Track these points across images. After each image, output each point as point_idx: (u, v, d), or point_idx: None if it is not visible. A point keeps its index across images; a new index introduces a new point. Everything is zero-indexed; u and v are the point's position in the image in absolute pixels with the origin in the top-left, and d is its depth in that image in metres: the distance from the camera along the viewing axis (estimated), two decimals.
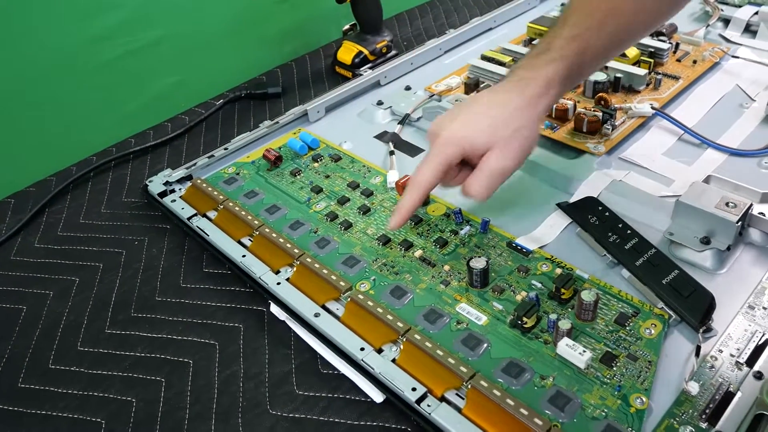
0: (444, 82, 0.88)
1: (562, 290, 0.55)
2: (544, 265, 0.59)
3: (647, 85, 0.83)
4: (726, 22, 0.96)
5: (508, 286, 0.58)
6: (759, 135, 0.73)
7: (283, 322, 0.59)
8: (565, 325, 0.51)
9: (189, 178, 0.76)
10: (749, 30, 0.93)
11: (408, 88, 0.89)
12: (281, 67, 1.04)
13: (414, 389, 0.49)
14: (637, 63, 0.84)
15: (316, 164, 0.76)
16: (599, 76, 0.81)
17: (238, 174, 0.76)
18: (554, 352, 0.52)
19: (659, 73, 0.84)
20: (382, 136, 0.81)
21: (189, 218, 0.69)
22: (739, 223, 0.57)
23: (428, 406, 0.48)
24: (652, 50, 0.86)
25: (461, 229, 0.64)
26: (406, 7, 1.21)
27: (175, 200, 0.72)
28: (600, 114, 0.75)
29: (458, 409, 0.48)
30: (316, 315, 0.56)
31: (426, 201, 0.68)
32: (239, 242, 0.65)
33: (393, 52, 1.01)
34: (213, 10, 0.95)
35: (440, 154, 0.57)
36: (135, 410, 0.53)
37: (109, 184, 0.81)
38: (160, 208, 0.73)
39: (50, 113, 0.83)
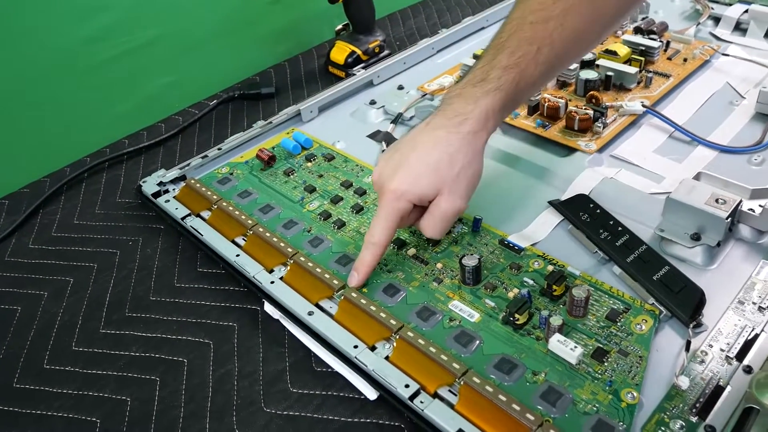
0: (437, 82, 0.89)
1: (554, 287, 0.56)
2: (536, 263, 0.60)
3: (638, 83, 0.83)
4: (716, 20, 0.96)
5: (500, 283, 0.58)
6: (749, 132, 0.74)
7: (277, 320, 0.59)
8: (556, 321, 0.52)
9: (183, 178, 0.76)
10: (739, 28, 0.94)
11: (401, 88, 0.90)
12: (274, 67, 1.04)
13: (407, 386, 0.49)
14: (628, 61, 0.85)
15: (309, 164, 0.76)
16: (590, 75, 0.81)
17: (231, 174, 0.76)
18: (546, 348, 0.52)
19: (650, 71, 0.84)
20: (375, 136, 0.82)
21: (183, 218, 0.69)
22: (729, 220, 0.57)
23: (421, 402, 0.48)
24: (643, 48, 0.87)
25: (454, 227, 0.65)
26: (399, 7, 1.21)
27: (168, 200, 0.72)
28: (591, 112, 0.75)
29: (451, 406, 0.48)
30: (310, 313, 0.56)
31: None
32: (233, 242, 0.65)
33: (386, 52, 1.02)
34: (206, 10, 0.95)
35: (391, 211, 0.57)
36: (130, 409, 0.53)
37: (103, 184, 0.81)
38: (153, 208, 0.73)
39: (44, 114, 0.84)
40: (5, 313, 0.64)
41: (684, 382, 0.48)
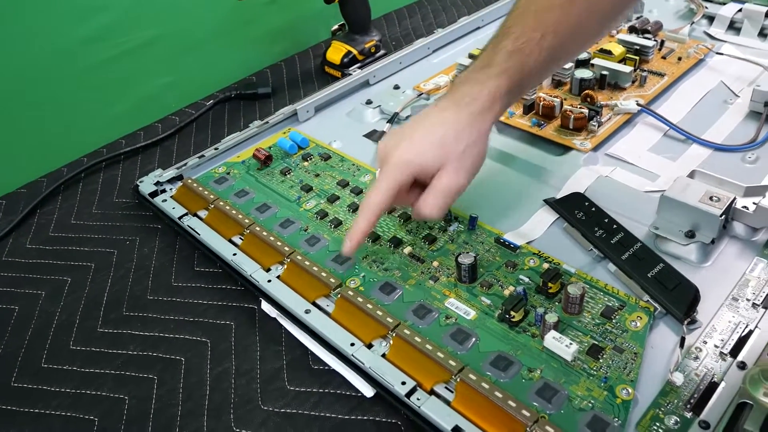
0: (432, 81, 0.89)
1: (549, 284, 0.56)
2: (532, 260, 0.60)
3: (633, 82, 0.84)
4: (710, 19, 0.97)
5: (496, 281, 0.59)
6: (743, 130, 0.74)
7: (274, 319, 0.59)
8: (552, 318, 0.52)
9: (179, 178, 0.77)
10: (733, 27, 0.95)
11: (397, 87, 0.90)
12: (271, 67, 1.05)
13: (404, 383, 0.50)
14: (622, 60, 0.85)
15: (305, 163, 0.77)
16: (585, 74, 0.81)
17: (228, 174, 0.76)
18: (541, 345, 0.52)
19: (644, 70, 0.84)
20: (371, 135, 0.82)
21: (180, 218, 0.69)
22: (723, 217, 0.58)
23: (418, 399, 0.49)
24: (638, 48, 0.87)
25: (450, 225, 0.65)
26: (395, 7, 1.21)
27: (166, 200, 0.72)
28: (586, 111, 0.76)
29: (447, 402, 0.49)
30: (307, 311, 0.57)
31: None
32: (230, 241, 0.65)
33: (382, 52, 1.02)
34: (203, 11, 0.95)
35: (390, 178, 0.57)
36: (127, 407, 0.54)
37: (100, 184, 0.81)
38: (151, 208, 0.73)
39: (41, 114, 0.84)
40: (3, 312, 0.64)
41: (678, 378, 0.48)
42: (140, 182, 0.75)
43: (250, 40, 1.03)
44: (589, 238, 0.61)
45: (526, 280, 0.58)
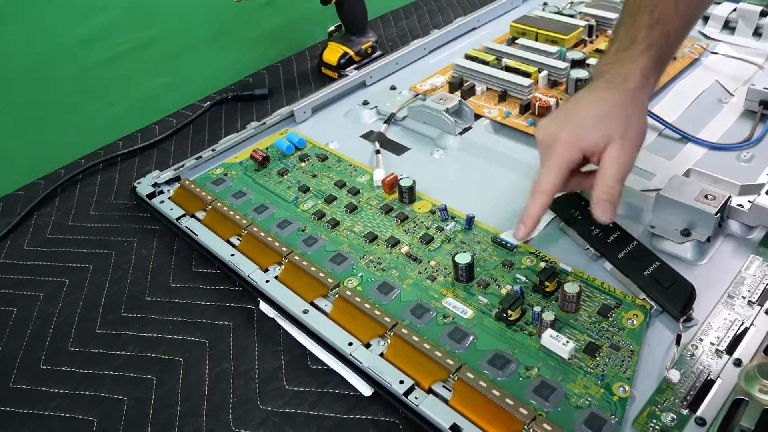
0: (429, 82, 0.89)
1: (546, 283, 0.56)
2: (529, 259, 0.60)
3: None
4: (705, 18, 0.97)
5: (493, 280, 0.59)
6: (737, 129, 0.75)
7: (273, 319, 0.59)
8: (549, 317, 0.52)
9: (177, 179, 0.77)
10: (728, 26, 0.95)
11: (393, 88, 0.90)
12: (267, 68, 1.05)
13: (402, 382, 0.50)
14: None
15: (303, 164, 0.77)
16: (581, 74, 0.82)
17: (225, 175, 0.76)
18: (539, 344, 0.53)
19: None
20: (368, 136, 0.82)
21: (178, 219, 0.69)
22: (718, 215, 0.58)
23: (416, 398, 0.49)
24: None
25: (446, 225, 0.65)
26: (391, 8, 1.22)
27: (163, 201, 0.72)
28: None
29: (445, 401, 0.49)
30: (305, 312, 0.57)
31: (412, 199, 0.69)
32: (228, 242, 0.66)
33: (378, 53, 1.02)
34: (199, 13, 0.95)
35: (561, 160, 0.56)
36: (126, 408, 0.54)
37: (97, 186, 0.81)
38: (148, 209, 0.73)
39: (38, 116, 0.84)
40: (1, 314, 0.64)
41: (675, 376, 0.49)
42: (138, 184, 0.75)
43: (247, 42, 1.04)
44: (586, 237, 0.61)
45: (523, 279, 0.59)
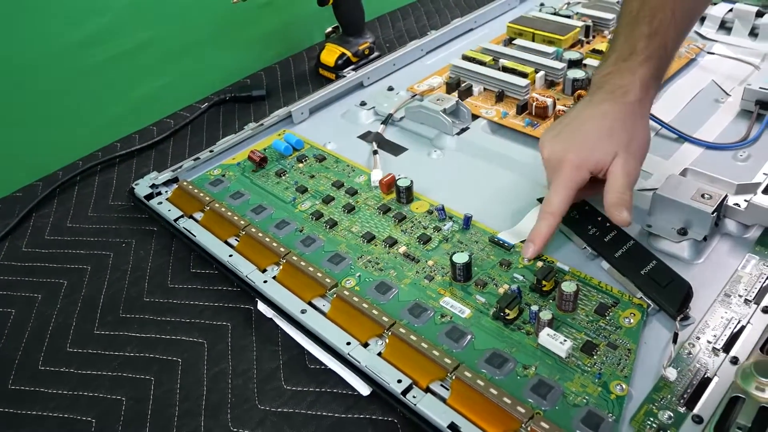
0: (426, 82, 0.89)
1: (544, 282, 0.56)
2: (526, 259, 0.60)
3: None
4: (702, 19, 0.97)
5: (490, 279, 0.59)
6: (734, 129, 0.75)
7: (271, 319, 0.60)
8: (546, 315, 0.53)
9: (175, 180, 0.77)
10: (724, 27, 0.95)
11: (390, 89, 0.90)
12: (265, 69, 1.05)
13: (400, 381, 0.50)
14: None
15: (300, 165, 0.77)
16: (577, 74, 0.82)
17: (223, 176, 0.77)
18: (536, 343, 0.53)
19: None
20: (365, 136, 0.83)
21: (176, 220, 0.69)
22: (715, 214, 0.58)
23: (414, 397, 0.49)
24: None
25: (444, 225, 0.65)
26: (388, 9, 1.22)
27: (161, 202, 0.72)
28: None
29: (443, 400, 0.49)
30: (303, 312, 0.57)
31: (410, 199, 0.69)
32: (226, 242, 0.66)
33: (375, 54, 1.02)
34: (197, 14, 0.96)
35: (569, 182, 0.58)
36: (125, 409, 0.54)
37: (95, 187, 0.81)
38: (146, 210, 0.74)
39: (36, 118, 0.84)
40: (0, 315, 0.64)
41: (672, 374, 0.49)
42: (136, 185, 0.75)
43: (244, 43, 1.04)
44: (583, 236, 0.61)
45: (521, 278, 0.59)
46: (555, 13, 1.00)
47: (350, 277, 0.61)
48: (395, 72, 0.97)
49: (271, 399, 0.53)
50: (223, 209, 0.69)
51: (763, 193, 0.61)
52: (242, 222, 0.67)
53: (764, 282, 0.56)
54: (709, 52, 0.90)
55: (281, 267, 0.62)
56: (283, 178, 0.75)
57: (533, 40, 0.94)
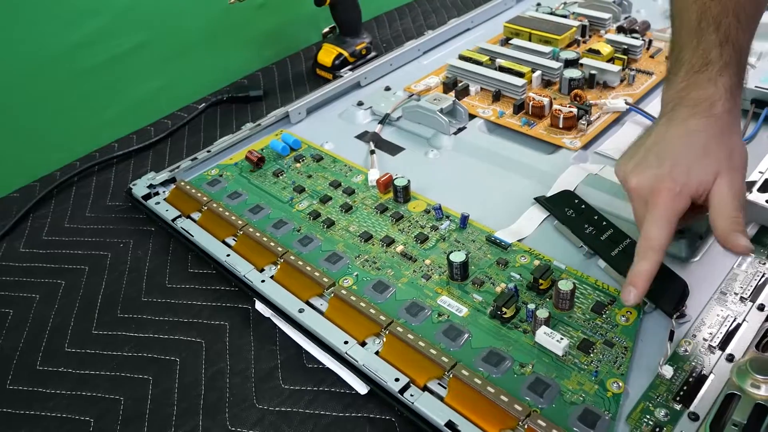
0: (423, 82, 0.89)
1: (540, 281, 0.57)
2: (523, 258, 0.61)
3: (621, 81, 0.85)
4: None
5: (487, 278, 0.59)
6: None
7: (268, 318, 0.60)
8: (543, 314, 0.53)
9: (173, 180, 0.77)
10: None
11: (388, 89, 0.90)
12: (262, 70, 1.05)
13: (397, 380, 0.50)
14: (611, 60, 0.86)
15: (298, 165, 0.77)
16: (574, 74, 0.82)
17: (221, 176, 0.77)
18: (533, 341, 0.53)
19: (633, 69, 0.85)
20: (362, 136, 0.83)
21: (173, 220, 0.69)
22: None
23: (411, 395, 0.49)
24: (626, 47, 0.88)
25: (441, 224, 0.66)
26: (385, 9, 1.22)
27: (159, 203, 0.72)
28: (575, 110, 0.76)
29: (441, 398, 0.49)
30: (301, 311, 0.57)
31: (407, 198, 0.69)
32: (223, 242, 0.66)
33: (372, 54, 1.03)
34: (194, 14, 0.96)
35: (669, 212, 0.51)
36: (123, 408, 0.54)
37: (93, 188, 0.81)
38: (144, 210, 0.74)
39: (33, 119, 0.84)
40: None
41: (668, 371, 0.49)
42: (133, 185, 0.75)
43: (241, 43, 1.04)
44: (580, 235, 0.62)
45: (517, 277, 0.59)
46: (551, 13, 1.01)
47: (348, 276, 0.61)
48: (392, 72, 0.97)
49: (269, 398, 0.53)
50: (220, 209, 0.69)
51: (759, 191, 0.61)
52: (240, 222, 0.67)
53: (760, 280, 0.56)
54: None
55: (279, 266, 0.62)
56: (281, 178, 0.75)
57: (530, 40, 0.94)
